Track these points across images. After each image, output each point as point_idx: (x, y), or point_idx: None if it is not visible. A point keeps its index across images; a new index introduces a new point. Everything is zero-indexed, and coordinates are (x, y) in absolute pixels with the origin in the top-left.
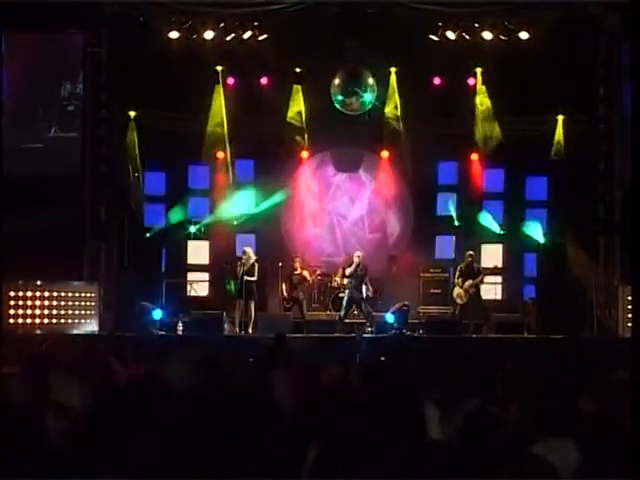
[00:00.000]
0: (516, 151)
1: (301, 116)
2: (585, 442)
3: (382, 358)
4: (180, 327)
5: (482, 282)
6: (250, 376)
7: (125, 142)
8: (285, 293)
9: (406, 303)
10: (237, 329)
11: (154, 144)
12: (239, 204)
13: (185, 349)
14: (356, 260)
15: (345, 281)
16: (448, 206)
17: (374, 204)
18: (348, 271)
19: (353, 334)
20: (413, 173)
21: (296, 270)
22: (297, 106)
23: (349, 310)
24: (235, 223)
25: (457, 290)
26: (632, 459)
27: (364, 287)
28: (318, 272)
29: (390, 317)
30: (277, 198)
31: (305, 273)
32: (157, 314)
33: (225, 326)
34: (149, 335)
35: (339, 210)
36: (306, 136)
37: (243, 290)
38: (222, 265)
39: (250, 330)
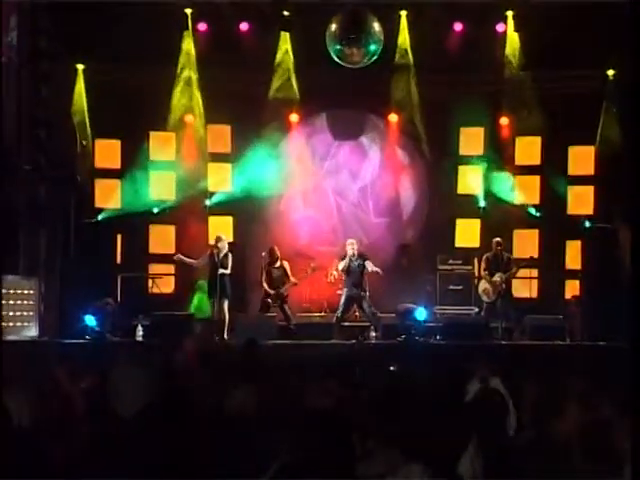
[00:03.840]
0: (556, 114)
1: (290, 71)
2: None
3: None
4: (140, 331)
5: (515, 276)
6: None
7: (71, 103)
8: (266, 286)
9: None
10: (215, 333)
11: (108, 105)
12: (213, 180)
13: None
14: (349, 251)
15: (343, 277)
16: (472, 183)
17: (380, 180)
18: (341, 266)
19: (353, 341)
20: (429, 142)
21: (275, 262)
22: (285, 58)
23: (348, 310)
24: (208, 203)
25: (483, 285)
26: (632, 460)
27: (369, 269)
28: (312, 266)
29: (421, 313)
30: (260, 172)
31: (286, 265)
32: (90, 320)
33: (197, 330)
34: (101, 342)
35: (337, 187)
36: (296, 95)
37: (217, 286)
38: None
39: (225, 335)
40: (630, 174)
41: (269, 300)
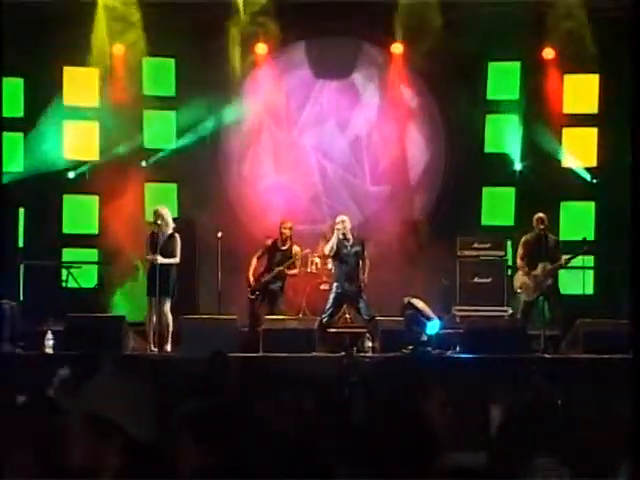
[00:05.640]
0: (620, 44)
1: None
2: None
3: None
4: (50, 340)
5: (565, 266)
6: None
7: None
8: (252, 278)
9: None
10: (151, 344)
11: (4, 30)
12: (151, 133)
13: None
14: (339, 230)
15: (329, 266)
16: (504, 138)
17: (380, 134)
18: (327, 249)
19: (342, 353)
20: (446, 81)
21: (285, 243)
22: None
23: (337, 312)
24: (144, 164)
25: (521, 278)
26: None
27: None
28: (306, 251)
29: (434, 325)
30: (215, 123)
31: (296, 250)
32: None
33: (129, 339)
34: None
35: (321, 143)
36: (265, 18)
37: (156, 280)
38: None
39: (168, 346)
40: None
41: (254, 297)
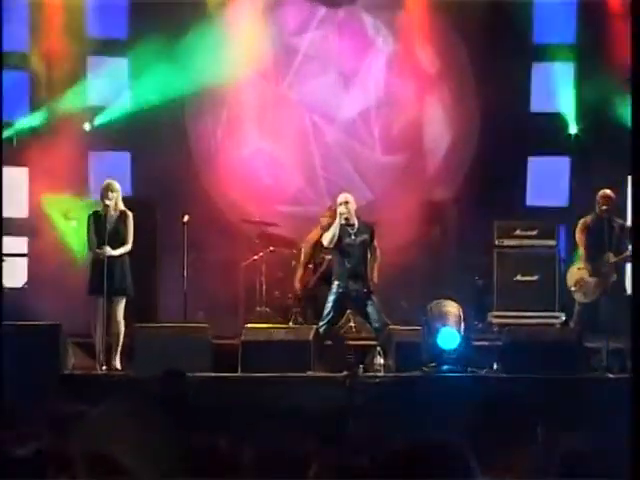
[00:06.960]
0: None
1: None
2: None
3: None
4: None
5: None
6: None
7: None
8: (299, 284)
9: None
10: (100, 360)
11: None
12: (97, 86)
13: None
14: (342, 214)
15: (328, 257)
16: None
17: (394, 89)
18: (327, 239)
19: (345, 373)
20: (480, 20)
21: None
22: None
23: (338, 319)
24: (88, 128)
25: (577, 273)
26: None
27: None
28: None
29: (448, 337)
30: (180, 74)
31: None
32: None
33: (69, 355)
34: None
35: (318, 101)
36: None
37: (103, 274)
38: None
39: (117, 362)
40: None
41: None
